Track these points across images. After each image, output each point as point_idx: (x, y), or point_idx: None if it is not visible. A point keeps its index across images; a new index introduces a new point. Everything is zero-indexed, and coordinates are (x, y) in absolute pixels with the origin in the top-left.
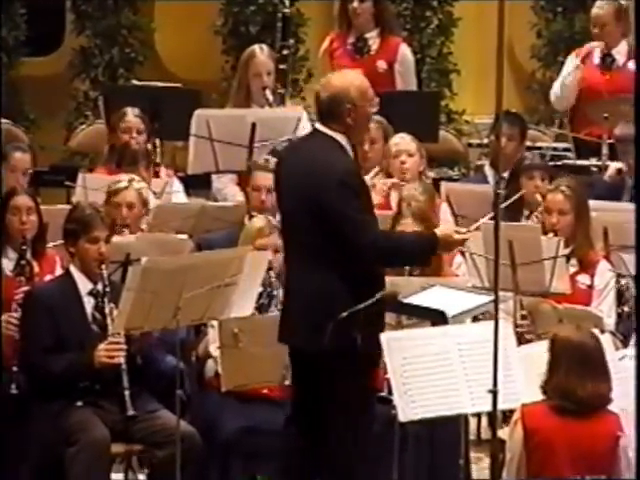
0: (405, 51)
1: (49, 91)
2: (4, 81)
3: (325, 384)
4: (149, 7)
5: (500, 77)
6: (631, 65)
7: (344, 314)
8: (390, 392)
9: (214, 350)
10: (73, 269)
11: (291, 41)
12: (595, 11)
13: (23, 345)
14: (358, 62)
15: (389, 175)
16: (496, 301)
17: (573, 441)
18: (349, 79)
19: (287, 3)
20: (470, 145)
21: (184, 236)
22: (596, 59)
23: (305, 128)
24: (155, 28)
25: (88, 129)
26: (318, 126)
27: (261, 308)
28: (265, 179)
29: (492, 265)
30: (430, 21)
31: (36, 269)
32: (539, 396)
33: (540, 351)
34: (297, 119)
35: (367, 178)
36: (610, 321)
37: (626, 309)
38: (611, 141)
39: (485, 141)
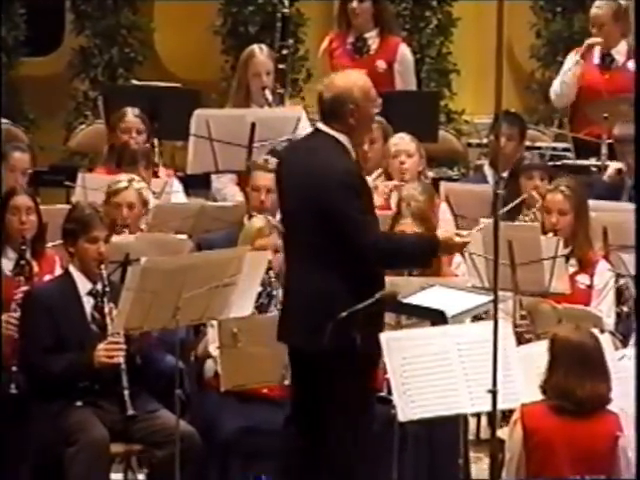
0: (404, 51)
1: (49, 91)
2: (4, 81)
3: (324, 384)
4: (148, 7)
5: (499, 77)
6: (630, 65)
7: (343, 314)
8: (390, 392)
9: (213, 350)
10: (72, 269)
11: (290, 41)
12: (594, 11)
13: (22, 345)
14: (357, 62)
15: (388, 175)
16: (495, 301)
17: (572, 441)
18: (352, 79)
19: (286, 3)
20: (469, 145)
21: (183, 236)
22: (596, 59)
23: (304, 128)
24: (154, 28)
25: (88, 129)
26: (320, 126)
27: (261, 308)
28: (265, 179)
29: (491, 265)
30: (429, 21)
31: (35, 269)
32: (538, 396)
33: (539, 351)
34: (296, 119)
35: (369, 180)
36: (609, 321)
37: (625, 309)
38: (610, 141)
39: (484, 141)
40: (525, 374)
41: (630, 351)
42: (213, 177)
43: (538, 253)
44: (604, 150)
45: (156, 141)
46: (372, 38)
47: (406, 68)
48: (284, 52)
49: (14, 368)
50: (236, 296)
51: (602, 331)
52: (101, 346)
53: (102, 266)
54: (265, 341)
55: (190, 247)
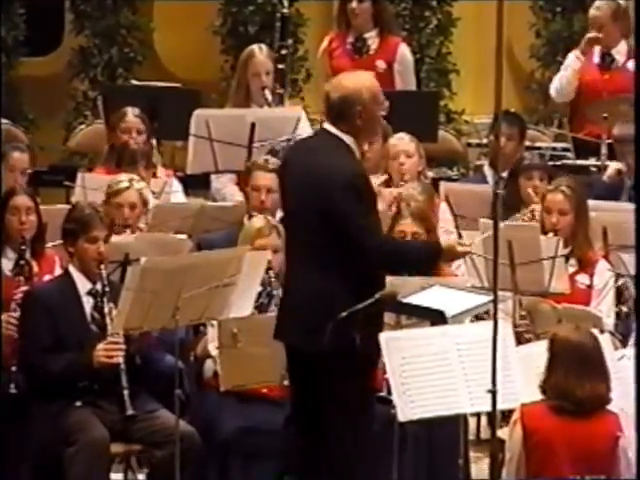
0: (404, 51)
1: (48, 91)
2: (4, 81)
3: (324, 384)
4: (148, 7)
5: (499, 77)
6: (630, 65)
7: (343, 314)
8: (389, 392)
9: (213, 349)
10: (72, 269)
11: (290, 41)
12: (592, 12)
13: (22, 345)
14: (357, 62)
15: (388, 175)
16: (495, 301)
17: (572, 441)
18: (361, 81)
19: (286, 3)
20: (469, 145)
21: (183, 236)
22: (596, 58)
23: (304, 128)
24: (154, 28)
25: (87, 129)
26: (326, 126)
27: (260, 308)
28: (265, 179)
29: (491, 265)
30: (429, 21)
31: (35, 269)
32: (538, 396)
33: (539, 351)
34: (296, 119)
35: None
36: (609, 321)
37: (625, 309)
38: (610, 141)
39: (484, 141)
40: (525, 374)
41: (630, 351)
42: (212, 177)
43: (538, 253)
44: (604, 150)
45: (154, 141)
46: (372, 38)
47: (406, 68)
48: (283, 52)
49: (14, 368)
50: (236, 296)
51: (602, 331)
52: (101, 346)
53: (102, 266)
54: (265, 341)
55: (190, 247)
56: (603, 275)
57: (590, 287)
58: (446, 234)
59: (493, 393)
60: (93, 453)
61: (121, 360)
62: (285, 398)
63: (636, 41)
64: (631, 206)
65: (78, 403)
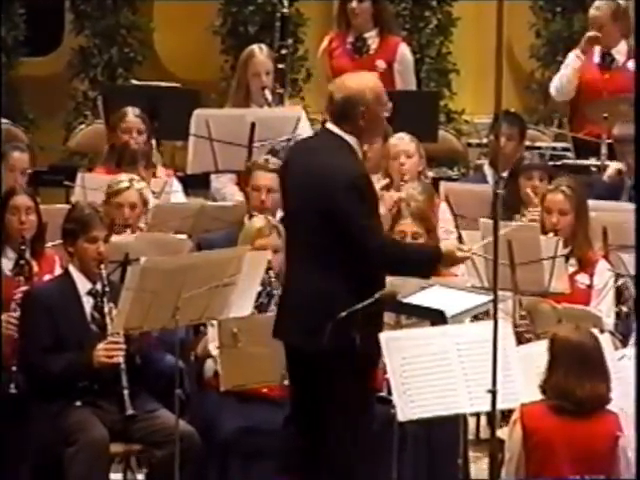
0: (404, 51)
1: (48, 91)
2: (4, 81)
3: (324, 384)
4: (148, 7)
5: (499, 77)
6: (631, 65)
7: (343, 314)
8: (389, 392)
9: (214, 349)
10: (72, 269)
11: (290, 41)
12: (592, 12)
13: (22, 345)
14: (357, 62)
15: (388, 175)
16: (495, 301)
17: (572, 441)
18: (364, 81)
19: (286, 3)
20: (469, 145)
21: (183, 236)
22: (596, 58)
23: (304, 128)
24: (154, 28)
25: (87, 129)
26: (329, 126)
27: (260, 308)
28: (265, 179)
29: (491, 265)
30: (429, 21)
31: (35, 269)
32: (538, 396)
33: (539, 351)
34: (296, 119)
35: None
36: (609, 321)
37: (625, 309)
38: (610, 141)
39: (484, 141)
40: (525, 374)
41: (630, 351)
42: (212, 177)
43: (538, 253)
44: (604, 150)
45: (154, 142)
46: (372, 38)
47: (406, 68)
48: (283, 52)
49: (14, 368)
50: (236, 296)
51: (602, 331)
52: (101, 346)
53: (102, 266)
54: (265, 341)
55: (190, 247)
56: (603, 275)
57: (590, 287)
58: (446, 234)
59: (493, 393)
60: (93, 453)
61: (121, 360)
62: (285, 398)
63: (636, 41)
64: (631, 206)
65: (78, 403)
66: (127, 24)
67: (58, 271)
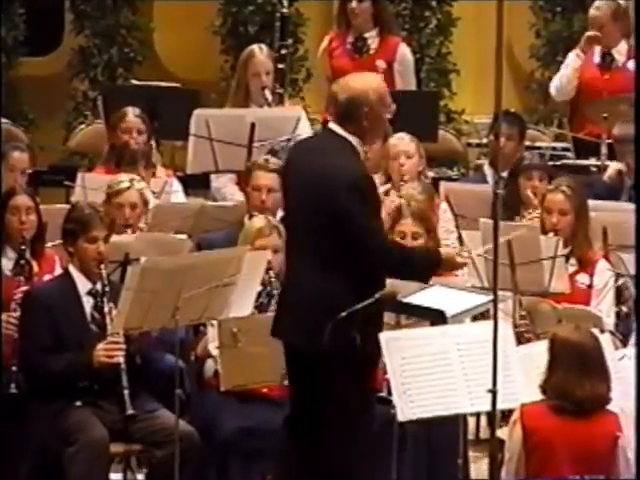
0: (404, 50)
1: (48, 91)
2: (4, 81)
3: (324, 384)
4: (148, 7)
5: (499, 77)
6: (631, 65)
7: (343, 314)
8: (389, 392)
9: (214, 349)
10: (72, 269)
11: (290, 41)
12: (592, 13)
13: (22, 345)
14: (357, 62)
15: (388, 175)
16: (495, 301)
17: (572, 441)
18: (368, 82)
19: (285, 3)
20: (469, 145)
21: (183, 236)
22: (596, 58)
23: (304, 128)
24: (154, 28)
25: (87, 129)
26: (332, 126)
27: (260, 307)
28: (266, 179)
29: (491, 265)
30: (429, 21)
31: (35, 269)
32: (538, 396)
33: (539, 351)
34: (296, 119)
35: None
36: (609, 321)
37: (625, 309)
38: (610, 141)
39: (484, 141)
40: (525, 374)
41: (630, 351)
42: (212, 177)
43: (538, 253)
44: (604, 150)
45: (153, 142)
46: (372, 38)
47: (406, 68)
48: (283, 52)
49: (14, 368)
50: (236, 296)
51: (602, 331)
52: (101, 346)
53: (102, 266)
54: (265, 341)
55: (190, 247)
56: (603, 275)
57: (590, 287)
58: (447, 234)
59: (493, 393)
60: (93, 453)
61: (121, 360)
62: (285, 398)
63: (636, 41)
64: (631, 206)
65: (78, 403)
66: (127, 24)
67: (58, 271)
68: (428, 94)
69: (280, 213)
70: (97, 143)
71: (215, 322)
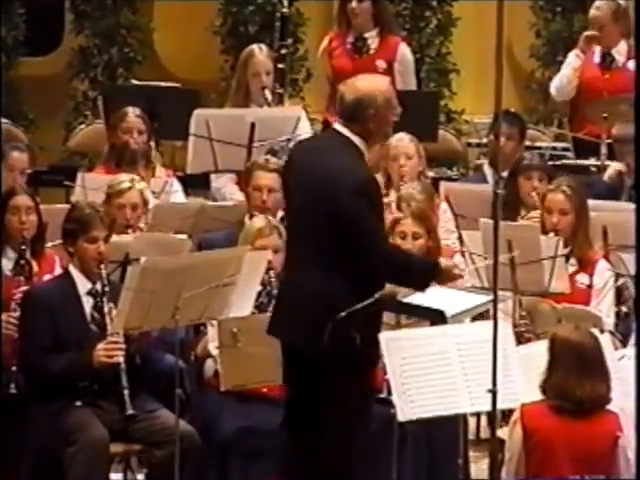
0: (404, 50)
1: (48, 91)
2: (4, 81)
3: (323, 384)
4: (148, 7)
5: (499, 77)
6: (631, 65)
7: (342, 314)
8: (389, 393)
9: (213, 349)
10: (72, 269)
11: (290, 41)
12: (592, 13)
13: (22, 345)
14: (357, 62)
15: (388, 175)
16: (495, 301)
17: (572, 441)
18: (376, 84)
19: (286, 3)
20: (469, 145)
21: (183, 236)
22: (596, 58)
23: (304, 128)
24: (154, 28)
25: (87, 129)
26: (337, 126)
27: (260, 307)
28: (266, 179)
29: (491, 265)
30: (429, 21)
31: (35, 269)
32: (538, 396)
33: (539, 351)
34: (296, 119)
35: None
36: (609, 321)
37: (624, 309)
38: (610, 141)
39: (484, 141)
40: (525, 374)
41: (630, 351)
42: (212, 177)
43: (538, 253)
44: (604, 150)
45: (153, 142)
46: (372, 38)
47: (406, 68)
48: (283, 52)
49: (13, 368)
50: (235, 296)
51: (602, 331)
52: (100, 346)
53: (102, 266)
54: (265, 341)
55: (190, 247)
56: (603, 275)
57: (590, 287)
58: (447, 234)
59: (493, 393)
60: (93, 453)
61: (121, 360)
62: (285, 398)
63: (636, 41)
64: (631, 206)
65: (78, 403)
66: (127, 24)
67: (58, 271)
68: (428, 94)
69: (281, 213)
70: (97, 143)
71: (215, 322)
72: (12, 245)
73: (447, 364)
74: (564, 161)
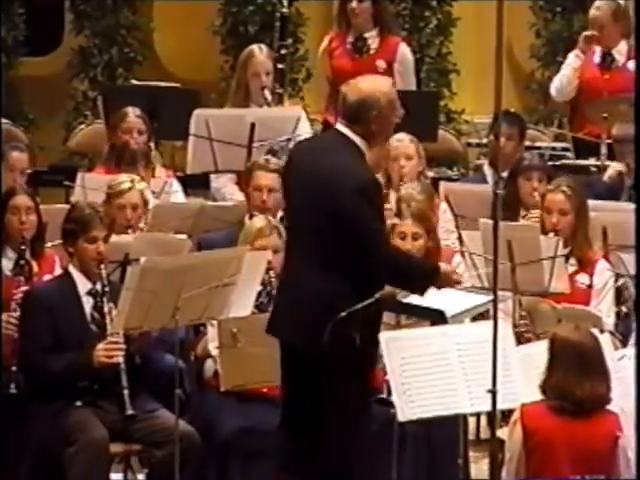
0: (404, 50)
1: (48, 91)
2: (3, 81)
3: (323, 384)
4: (148, 7)
5: (499, 77)
6: (631, 65)
7: (342, 314)
8: (389, 393)
9: (214, 349)
10: (72, 269)
11: (290, 41)
12: (592, 13)
13: (22, 345)
14: (357, 62)
15: (387, 175)
16: (495, 301)
17: (572, 441)
18: (379, 85)
19: (285, 3)
20: (469, 145)
21: (183, 236)
22: (596, 58)
23: (304, 128)
24: (154, 28)
25: (87, 129)
26: (339, 127)
27: (260, 307)
28: (266, 179)
29: (491, 265)
30: (429, 21)
31: (35, 269)
32: (538, 396)
33: (539, 351)
34: (296, 119)
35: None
36: (609, 321)
37: (624, 309)
38: (610, 141)
39: (484, 141)
40: (525, 374)
41: (630, 351)
42: (212, 177)
43: (537, 253)
44: (603, 150)
45: (152, 143)
46: (372, 38)
47: (406, 68)
48: (283, 52)
49: (14, 368)
50: (235, 296)
51: (602, 331)
52: (100, 346)
53: (101, 266)
54: (265, 341)
55: (190, 247)
56: (603, 275)
57: (590, 287)
58: (447, 234)
59: (493, 393)
60: (93, 453)
61: (121, 360)
62: None
63: (636, 41)
64: (631, 206)
65: (78, 403)
66: (127, 24)
67: (58, 271)
68: (428, 94)
69: (280, 213)
70: (97, 143)
71: (215, 322)
72: (12, 245)
73: (447, 364)
74: (564, 161)
